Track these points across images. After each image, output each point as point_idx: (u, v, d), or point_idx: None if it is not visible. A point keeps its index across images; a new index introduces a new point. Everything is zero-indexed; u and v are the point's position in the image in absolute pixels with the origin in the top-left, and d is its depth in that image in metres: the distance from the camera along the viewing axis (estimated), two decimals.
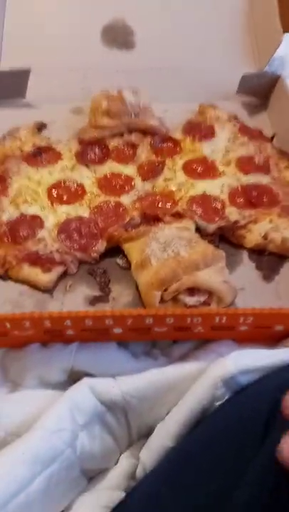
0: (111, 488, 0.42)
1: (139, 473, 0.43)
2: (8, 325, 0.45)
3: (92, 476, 0.44)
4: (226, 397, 0.41)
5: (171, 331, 0.46)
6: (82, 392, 0.44)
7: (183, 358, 0.48)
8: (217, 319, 0.45)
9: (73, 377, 0.46)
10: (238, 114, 0.73)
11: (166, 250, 0.51)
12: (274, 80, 0.75)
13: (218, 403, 0.42)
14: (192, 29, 0.83)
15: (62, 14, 0.82)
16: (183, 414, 0.42)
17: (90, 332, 0.46)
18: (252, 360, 0.42)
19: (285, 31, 0.73)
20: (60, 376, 0.46)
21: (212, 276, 0.49)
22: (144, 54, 0.81)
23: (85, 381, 0.44)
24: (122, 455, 0.45)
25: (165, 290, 0.49)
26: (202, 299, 0.49)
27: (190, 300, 0.49)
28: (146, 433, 0.45)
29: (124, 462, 0.44)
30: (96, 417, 0.43)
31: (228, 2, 0.85)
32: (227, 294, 0.50)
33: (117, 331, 0.46)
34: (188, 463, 0.39)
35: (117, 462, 0.45)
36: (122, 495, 0.42)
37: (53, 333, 0.46)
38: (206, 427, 0.41)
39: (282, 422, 0.30)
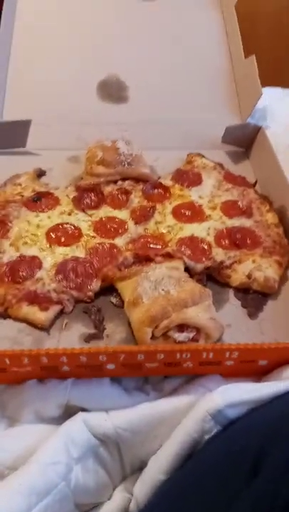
0: None
1: (132, 507, 0.44)
2: (7, 361, 0.47)
3: (86, 510, 0.45)
4: (215, 431, 0.43)
5: (161, 367, 0.49)
6: (77, 426, 0.45)
7: (173, 392, 0.50)
8: (204, 355, 0.47)
9: (68, 412, 0.48)
10: (223, 162, 0.79)
11: (157, 289, 0.54)
12: (256, 131, 0.82)
13: (207, 436, 0.43)
14: (180, 84, 0.91)
15: (61, 70, 0.90)
16: (174, 448, 0.44)
17: (85, 368, 0.48)
18: (238, 394, 0.45)
19: (264, 86, 0.81)
20: (55, 411, 0.48)
21: (200, 313, 0.52)
22: (136, 107, 0.88)
23: (80, 415, 0.46)
24: (116, 490, 0.46)
25: (156, 327, 0.52)
26: (191, 335, 0.52)
27: (179, 336, 0.52)
28: (139, 467, 0.46)
29: (118, 497, 0.45)
30: (90, 451, 0.45)
31: (212, 60, 0.94)
32: (214, 330, 0.53)
33: (110, 366, 0.48)
34: (179, 497, 0.40)
35: (111, 497, 0.46)
36: None
37: (49, 369, 0.49)
38: (197, 462, 0.43)
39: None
